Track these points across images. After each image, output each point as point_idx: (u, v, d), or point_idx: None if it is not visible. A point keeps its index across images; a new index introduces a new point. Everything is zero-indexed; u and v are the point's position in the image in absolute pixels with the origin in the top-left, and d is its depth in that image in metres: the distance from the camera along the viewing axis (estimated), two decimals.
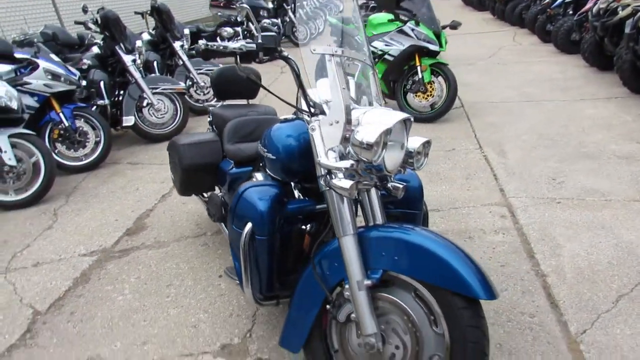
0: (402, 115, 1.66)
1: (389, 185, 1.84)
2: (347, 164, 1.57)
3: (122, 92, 5.27)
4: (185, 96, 5.73)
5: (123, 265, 2.97)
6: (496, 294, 1.53)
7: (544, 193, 3.36)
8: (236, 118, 2.75)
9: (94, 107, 5.07)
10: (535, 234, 2.86)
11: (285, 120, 2.01)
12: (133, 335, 2.33)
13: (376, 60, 5.21)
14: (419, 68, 4.92)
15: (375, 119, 1.64)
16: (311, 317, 1.75)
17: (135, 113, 5.27)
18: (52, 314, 2.55)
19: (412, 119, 1.73)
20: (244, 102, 3.08)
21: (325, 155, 1.63)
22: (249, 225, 1.79)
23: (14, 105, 3.92)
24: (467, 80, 6.66)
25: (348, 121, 1.62)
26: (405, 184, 1.86)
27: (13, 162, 3.86)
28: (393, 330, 1.64)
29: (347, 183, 1.54)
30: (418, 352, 1.60)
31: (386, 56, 5.06)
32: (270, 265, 1.85)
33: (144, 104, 5.31)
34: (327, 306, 1.72)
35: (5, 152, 3.84)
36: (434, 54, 4.98)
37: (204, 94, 6.37)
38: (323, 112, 1.72)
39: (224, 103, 3.15)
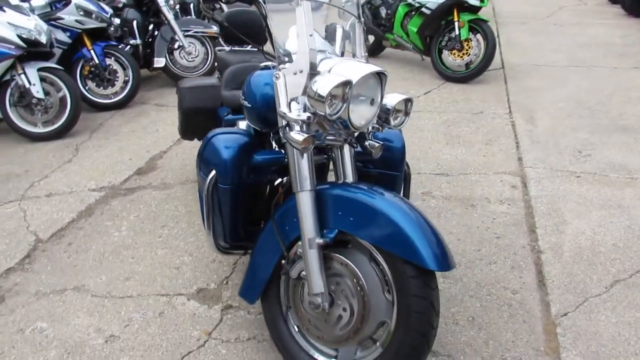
0: (372, 68, 1.54)
1: (366, 143, 1.75)
2: (304, 116, 1.49)
3: (155, 32, 5.29)
4: (168, 64, 5.33)
5: (126, 203, 3.05)
6: (449, 266, 1.46)
7: (565, 165, 3.14)
8: (238, 64, 2.69)
9: (127, 46, 5.12)
10: (543, 207, 2.70)
11: (266, 68, 1.94)
12: (119, 270, 2.41)
13: (412, 12, 4.95)
14: (456, 24, 4.63)
15: (344, 71, 1.54)
16: (268, 271, 1.73)
17: (167, 55, 5.29)
18: (51, 243, 2.67)
19: (386, 74, 1.60)
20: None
21: (287, 106, 1.56)
22: (213, 172, 1.76)
23: (43, 39, 4.00)
24: (515, 39, 6.24)
25: (313, 71, 1.53)
26: (381, 143, 1.75)
27: (41, 95, 3.98)
28: (342, 292, 1.59)
29: (300, 136, 1.47)
30: (364, 317, 1.55)
31: (423, 9, 4.79)
32: (234, 214, 1.82)
33: (176, 46, 5.31)
34: (282, 261, 1.69)
35: (34, 84, 3.96)
36: (474, 10, 4.66)
37: (189, 61, 5.49)
38: (291, 61, 1.63)
39: (234, 48, 3.08)
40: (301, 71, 1.54)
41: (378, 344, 1.58)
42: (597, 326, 1.89)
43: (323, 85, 1.42)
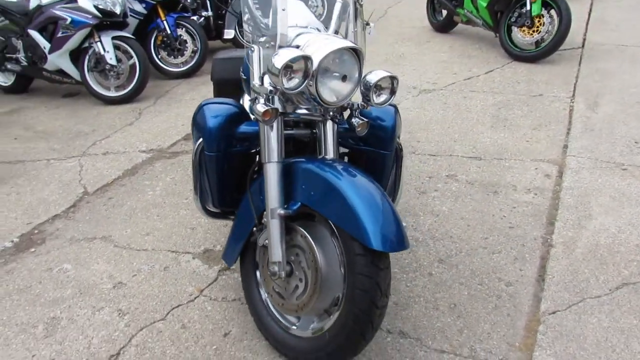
0: (341, 44, 1.53)
1: (353, 120, 1.75)
2: (266, 88, 1.53)
3: (222, 4, 5.49)
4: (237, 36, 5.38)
5: (167, 165, 3.29)
6: (396, 247, 1.46)
7: (613, 156, 2.87)
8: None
9: (200, 18, 5.39)
10: (571, 200, 2.51)
11: None
12: (143, 225, 2.64)
13: None
14: None
15: (315, 46, 1.55)
16: (244, 237, 1.82)
17: (236, 27, 5.48)
18: (95, 196, 2.97)
19: (360, 50, 1.58)
20: None
21: (260, 79, 1.61)
22: (200, 139, 1.86)
23: (117, 10, 4.34)
24: (608, 16, 5.66)
25: (283, 44, 1.56)
26: (366, 120, 1.74)
27: (114, 62, 4.35)
28: (300, 263, 1.64)
29: (262, 108, 1.51)
30: (317, 289, 1.59)
31: None
32: (220, 181, 1.91)
33: (245, 18, 5.47)
34: (254, 229, 1.76)
35: (108, 52, 4.33)
36: None
37: None
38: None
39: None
40: (273, 44, 1.58)
41: (332, 317, 1.62)
42: (585, 329, 1.77)
43: (279, 59, 1.45)
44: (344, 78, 1.59)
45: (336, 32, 1.83)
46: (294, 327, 1.73)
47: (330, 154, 1.72)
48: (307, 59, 1.47)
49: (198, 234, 2.52)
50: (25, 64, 4.63)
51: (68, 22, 4.21)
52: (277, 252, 1.61)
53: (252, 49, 1.64)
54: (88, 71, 4.42)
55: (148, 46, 4.98)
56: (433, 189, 2.73)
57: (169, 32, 4.94)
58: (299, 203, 1.61)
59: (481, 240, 2.29)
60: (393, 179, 2.02)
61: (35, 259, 2.42)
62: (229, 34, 5.50)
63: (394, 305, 1.96)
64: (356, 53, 1.58)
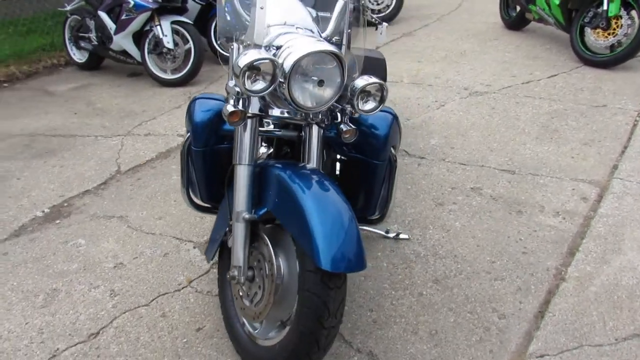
0: (318, 47, 1.45)
1: (341, 126, 1.67)
2: (233, 89, 1.50)
3: None
4: None
5: None
6: (345, 268, 1.37)
7: None
8: None
9: None
10: (603, 229, 2.24)
11: None
12: (158, 209, 2.72)
13: None
14: None
15: (293, 48, 1.48)
16: (221, 235, 1.80)
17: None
18: (126, 176, 3.11)
19: (341, 54, 1.50)
20: None
21: (232, 79, 1.57)
22: (189, 134, 1.86)
23: None
24: None
25: (258, 44, 1.50)
26: (354, 127, 1.66)
27: (170, 45, 4.50)
28: (261, 270, 1.60)
29: (229, 109, 1.47)
30: (270, 299, 1.55)
31: None
32: (207, 177, 1.90)
33: (225, 14, 5.44)
34: (227, 229, 1.74)
35: (166, 35, 4.48)
36: None
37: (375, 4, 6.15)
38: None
39: None
40: (249, 44, 1.53)
41: (284, 330, 1.57)
42: None
43: (243, 59, 1.40)
44: (320, 83, 1.51)
45: (332, 35, 1.75)
46: (255, 333, 1.70)
47: (313, 161, 1.67)
48: (274, 62, 1.41)
49: (205, 224, 2.55)
50: (95, 43, 4.93)
51: (131, 5, 4.41)
52: (238, 256, 1.58)
53: (232, 47, 1.60)
54: (148, 53, 4.62)
55: (208, 32, 5.10)
56: (452, 202, 2.57)
57: None
58: (265, 209, 1.57)
59: (487, 263, 2.12)
60: (386, 191, 1.91)
61: (56, 231, 2.57)
62: None
63: (372, 322, 1.87)
64: (338, 57, 1.49)
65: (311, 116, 1.63)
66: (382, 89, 1.62)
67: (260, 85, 1.44)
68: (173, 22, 4.51)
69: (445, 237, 2.30)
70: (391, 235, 2.31)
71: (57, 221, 2.67)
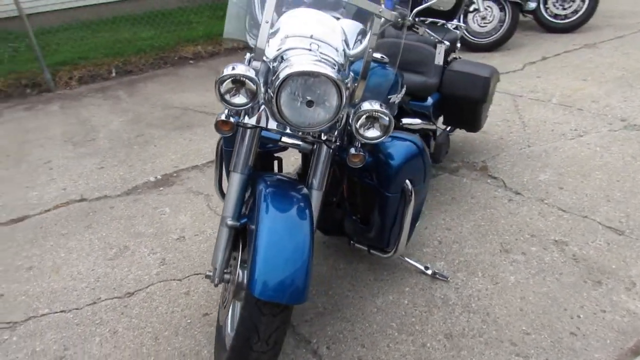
0: (307, 67, 1.39)
1: (351, 149, 1.61)
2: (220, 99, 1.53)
3: None
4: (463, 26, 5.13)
5: None
6: (277, 298, 1.34)
7: None
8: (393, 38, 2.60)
9: None
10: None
11: None
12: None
13: None
14: None
15: (292, 65, 1.45)
16: None
17: (462, 18, 5.15)
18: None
19: (336, 77, 1.41)
20: None
21: None
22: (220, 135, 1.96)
23: None
24: None
25: (257, 58, 1.51)
26: (361, 153, 1.58)
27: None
28: (231, 276, 1.63)
29: (219, 117, 1.52)
30: (229, 303, 1.58)
31: None
32: None
33: (471, 8, 5.09)
34: None
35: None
36: None
37: (481, 26, 5.24)
38: None
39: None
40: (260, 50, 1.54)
41: None
42: None
43: (222, 73, 1.42)
44: (309, 103, 1.46)
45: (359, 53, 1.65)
46: (227, 336, 1.75)
47: (316, 179, 1.63)
48: (253, 81, 1.40)
49: None
50: None
51: None
52: (216, 258, 1.65)
53: (246, 57, 1.62)
54: None
55: None
56: (521, 251, 2.21)
57: None
58: (246, 219, 1.59)
59: (518, 333, 1.80)
60: (399, 226, 1.76)
61: (155, 197, 2.97)
62: (529, 5, 5.20)
63: (356, 359, 1.76)
64: (334, 80, 1.42)
65: (316, 135, 1.59)
66: (386, 118, 1.49)
67: (240, 99, 1.45)
68: None
69: (489, 290, 2.01)
70: (429, 272, 2.11)
71: (161, 188, 3.07)
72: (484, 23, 5.10)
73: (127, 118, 4.31)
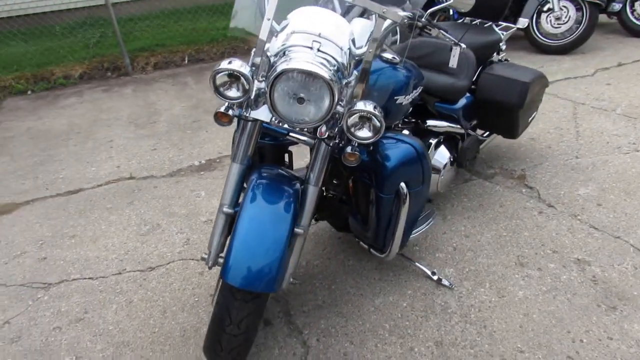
0: (299, 65, 1.42)
1: (347, 148, 1.64)
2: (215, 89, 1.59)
3: None
4: (531, 27, 4.82)
5: None
6: (247, 285, 1.41)
7: None
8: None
9: None
10: None
11: None
12: None
13: None
14: None
15: (289, 62, 1.49)
16: None
17: (533, 17, 4.90)
18: None
19: (325, 76, 1.43)
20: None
21: None
22: None
23: None
24: None
25: (258, 53, 1.57)
26: (356, 152, 1.60)
27: None
28: None
29: (220, 109, 1.59)
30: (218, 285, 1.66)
31: None
32: None
33: (545, 8, 4.83)
34: None
35: None
36: None
37: (555, 27, 4.89)
38: None
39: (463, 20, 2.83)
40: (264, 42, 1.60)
41: None
42: None
43: (220, 65, 1.49)
44: (300, 100, 1.50)
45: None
46: None
47: (313, 176, 1.66)
48: (245, 77, 1.46)
49: None
50: None
51: None
52: (211, 242, 1.73)
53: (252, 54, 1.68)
54: None
55: None
56: (537, 266, 2.10)
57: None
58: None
59: (512, 350, 1.73)
60: (392, 228, 1.75)
61: (195, 180, 3.14)
62: (522, 22, 4.99)
63: (342, 355, 1.78)
64: (326, 80, 1.44)
65: (311, 131, 1.62)
66: (378, 119, 1.49)
67: (233, 93, 1.52)
68: None
69: (493, 303, 1.94)
70: (435, 277, 2.08)
71: (202, 172, 3.24)
72: (558, 24, 4.80)
73: (189, 104, 4.56)
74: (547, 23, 4.86)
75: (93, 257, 2.45)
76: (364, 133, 1.54)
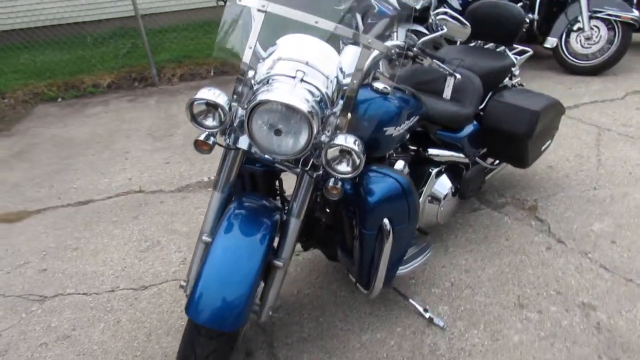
0: (275, 97, 1.38)
1: (329, 180, 1.59)
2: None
3: (556, 9, 4.76)
4: (560, 46, 4.66)
5: None
6: (210, 323, 1.37)
7: None
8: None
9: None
10: None
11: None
12: None
13: None
14: None
15: (268, 92, 1.45)
16: None
17: (563, 36, 4.73)
18: None
19: (302, 110, 1.38)
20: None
21: None
22: None
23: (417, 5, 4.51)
24: None
25: (238, 81, 1.54)
26: (337, 185, 1.54)
27: None
28: None
29: (200, 137, 1.56)
30: None
31: None
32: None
33: (575, 27, 4.65)
34: None
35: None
36: None
37: (585, 47, 4.69)
38: None
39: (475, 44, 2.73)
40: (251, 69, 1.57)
41: None
42: None
43: (198, 94, 1.47)
44: (277, 132, 1.46)
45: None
46: None
47: (295, 207, 1.62)
48: (220, 107, 1.44)
49: None
50: None
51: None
52: (190, 271, 1.71)
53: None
54: None
55: None
56: (537, 309, 1.98)
57: None
58: None
59: None
60: (375, 265, 1.68)
61: (201, 197, 3.14)
62: (551, 42, 4.84)
63: None
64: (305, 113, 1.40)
65: (292, 162, 1.58)
66: (356, 154, 1.43)
67: (209, 122, 1.49)
68: (408, 30, 4.57)
69: (485, 347, 1.83)
70: (427, 315, 1.98)
71: (209, 189, 3.23)
72: (588, 44, 4.61)
73: None
74: (576, 43, 4.68)
75: (91, 271, 2.47)
76: (344, 167, 1.48)
